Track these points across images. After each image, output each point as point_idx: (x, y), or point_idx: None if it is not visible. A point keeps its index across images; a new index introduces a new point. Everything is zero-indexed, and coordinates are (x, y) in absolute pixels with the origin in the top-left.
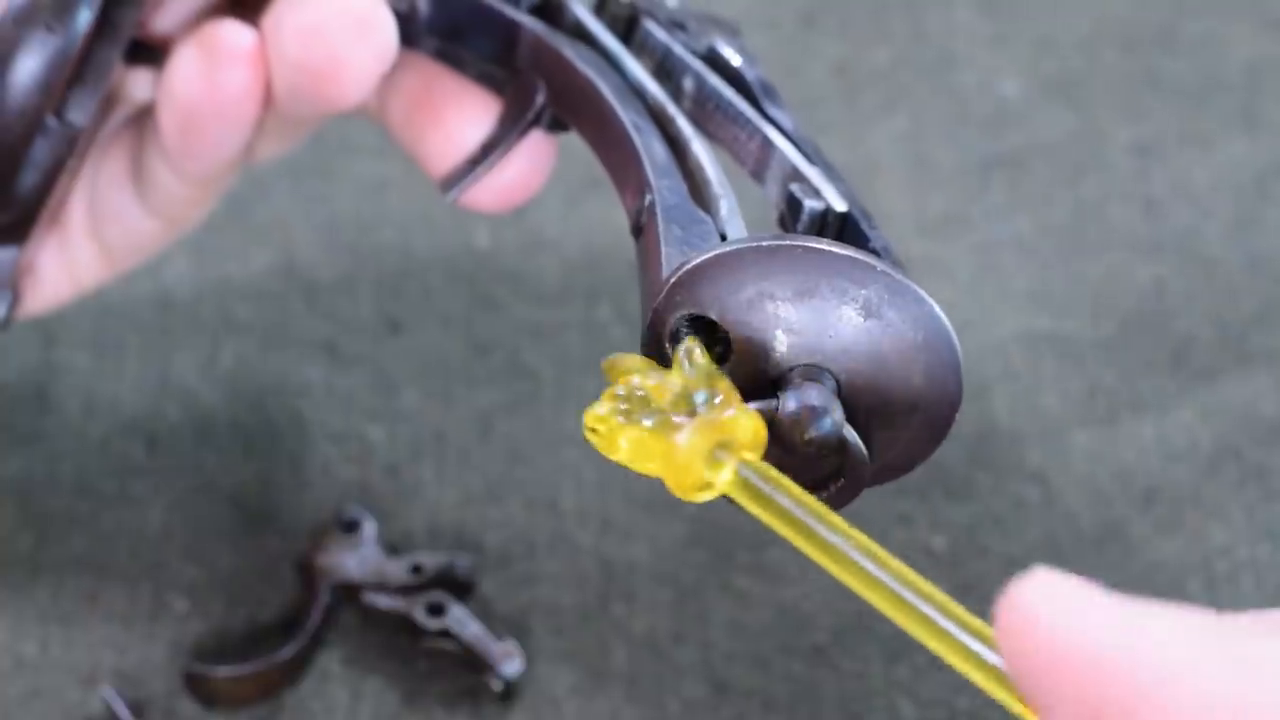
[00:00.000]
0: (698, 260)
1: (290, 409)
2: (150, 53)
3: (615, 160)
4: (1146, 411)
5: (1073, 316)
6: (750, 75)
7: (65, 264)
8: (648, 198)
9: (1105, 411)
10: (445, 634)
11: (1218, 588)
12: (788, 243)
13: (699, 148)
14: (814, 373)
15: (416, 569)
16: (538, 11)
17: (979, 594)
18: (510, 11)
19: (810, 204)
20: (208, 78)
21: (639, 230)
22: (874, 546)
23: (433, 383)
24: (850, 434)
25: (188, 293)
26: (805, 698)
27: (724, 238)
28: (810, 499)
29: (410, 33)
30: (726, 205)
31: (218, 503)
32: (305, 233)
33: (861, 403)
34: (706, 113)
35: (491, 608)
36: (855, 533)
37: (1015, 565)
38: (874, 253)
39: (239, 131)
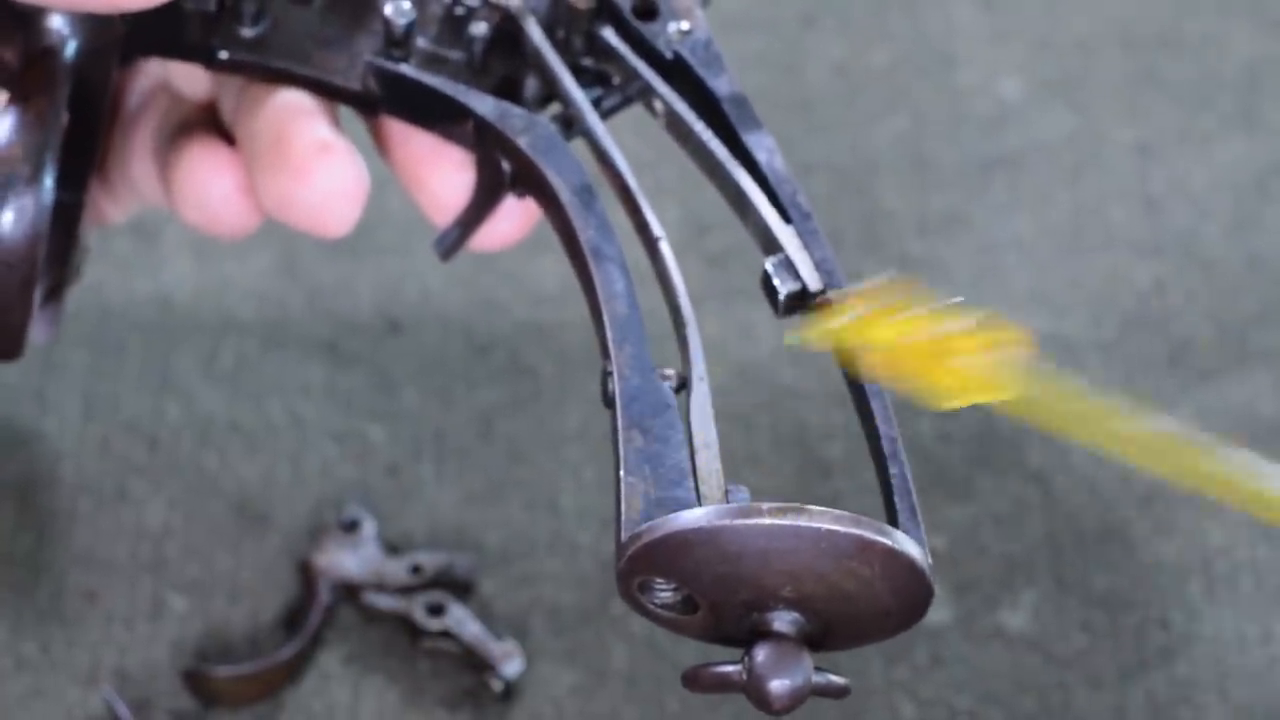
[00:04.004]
0: (649, 539)
1: (290, 409)
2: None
3: (581, 280)
4: (1146, 411)
5: (1073, 316)
6: (721, 91)
7: (113, 199)
8: (609, 368)
9: None
10: (445, 634)
11: (1218, 588)
12: (737, 522)
13: (669, 258)
14: (782, 619)
15: (416, 569)
16: (497, 61)
17: (979, 594)
18: (462, 95)
19: (785, 288)
20: (207, 217)
21: (609, 402)
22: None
23: (433, 383)
24: (820, 682)
25: (188, 293)
26: None
27: (689, 424)
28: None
29: (370, 109)
30: (692, 333)
31: (218, 502)
32: (305, 233)
33: (833, 620)
34: (679, 137)
35: (491, 608)
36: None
37: (1015, 565)
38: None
39: (247, 232)
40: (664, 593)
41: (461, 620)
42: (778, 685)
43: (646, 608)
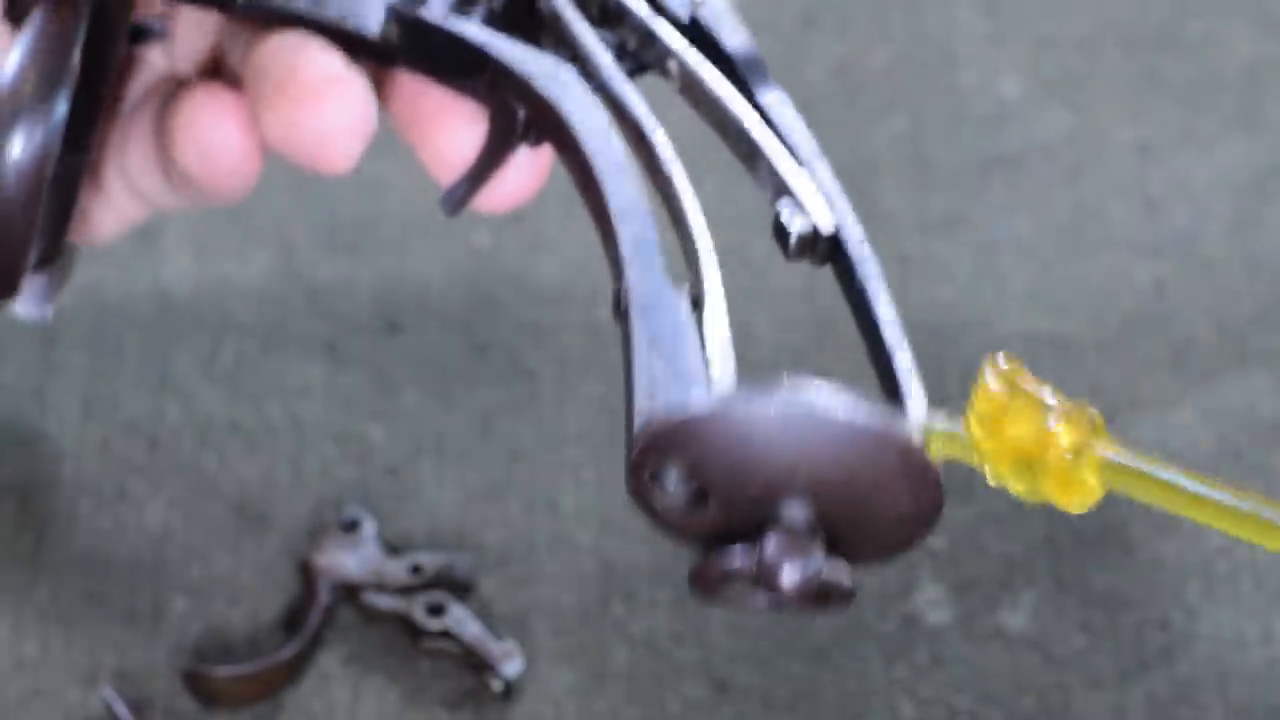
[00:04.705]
0: (661, 425)
1: (290, 409)
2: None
3: (592, 206)
4: (1146, 411)
5: (1073, 316)
6: (737, 50)
7: (107, 206)
8: (622, 284)
9: (1105, 411)
10: (445, 634)
11: (1218, 588)
12: (752, 405)
13: (680, 183)
14: (794, 513)
15: (416, 569)
16: (514, 23)
17: (979, 594)
18: (480, 38)
19: (797, 228)
20: (206, 163)
21: (621, 315)
22: (1263, 498)
23: (433, 383)
24: (831, 575)
25: (188, 292)
26: (805, 698)
27: (702, 334)
28: (1181, 470)
29: (386, 59)
30: (704, 247)
31: (218, 503)
32: (305, 233)
33: (845, 524)
34: (694, 98)
35: (491, 608)
36: (1243, 490)
37: (1015, 565)
38: (856, 289)
39: (247, 181)
40: (674, 488)
41: (461, 620)
42: (789, 573)
43: (656, 509)
